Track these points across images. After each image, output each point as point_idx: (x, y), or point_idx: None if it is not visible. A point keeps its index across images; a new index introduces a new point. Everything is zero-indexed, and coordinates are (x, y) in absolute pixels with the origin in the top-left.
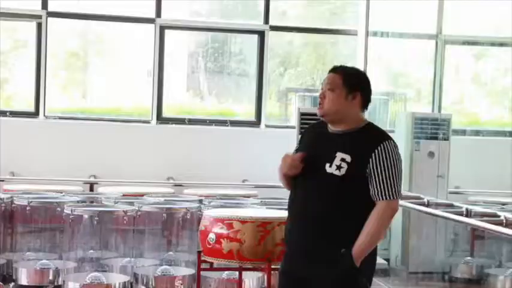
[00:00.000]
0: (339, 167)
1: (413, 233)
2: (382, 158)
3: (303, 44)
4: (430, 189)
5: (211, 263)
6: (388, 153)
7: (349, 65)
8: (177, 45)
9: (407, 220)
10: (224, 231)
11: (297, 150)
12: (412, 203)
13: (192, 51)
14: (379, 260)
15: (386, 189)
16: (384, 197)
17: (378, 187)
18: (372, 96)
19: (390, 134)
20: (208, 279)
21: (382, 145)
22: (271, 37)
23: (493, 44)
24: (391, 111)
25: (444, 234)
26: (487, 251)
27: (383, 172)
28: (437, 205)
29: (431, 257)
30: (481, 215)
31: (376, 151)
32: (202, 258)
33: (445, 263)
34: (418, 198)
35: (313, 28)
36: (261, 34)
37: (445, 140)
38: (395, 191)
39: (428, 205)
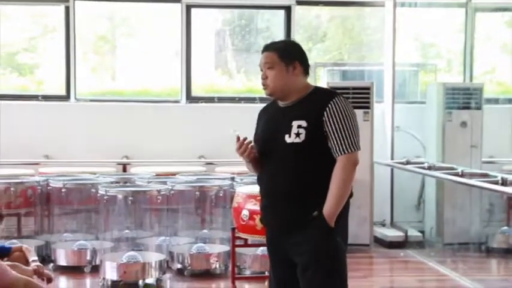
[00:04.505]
0: (297, 135)
1: (447, 204)
2: (335, 114)
3: (330, 18)
4: (464, 159)
5: (246, 240)
6: (339, 108)
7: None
8: (203, 24)
9: (442, 191)
10: (257, 208)
11: (255, 134)
12: (445, 173)
13: (219, 29)
14: (415, 233)
15: (343, 143)
16: (342, 151)
17: (335, 142)
18: (402, 68)
19: (421, 105)
20: (243, 256)
21: (332, 102)
22: (297, 12)
23: None
24: (422, 82)
25: (479, 204)
26: None
27: (338, 127)
28: (472, 175)
29: (467, 227)
30: None
31: (327, 108)
32: (237, 235)
33: (481, 234)
34: (452, 168)
35: (339, 1)
36: (288, 9)
37: (477, 109)
38: (352, 143)
39: (462, 175)
